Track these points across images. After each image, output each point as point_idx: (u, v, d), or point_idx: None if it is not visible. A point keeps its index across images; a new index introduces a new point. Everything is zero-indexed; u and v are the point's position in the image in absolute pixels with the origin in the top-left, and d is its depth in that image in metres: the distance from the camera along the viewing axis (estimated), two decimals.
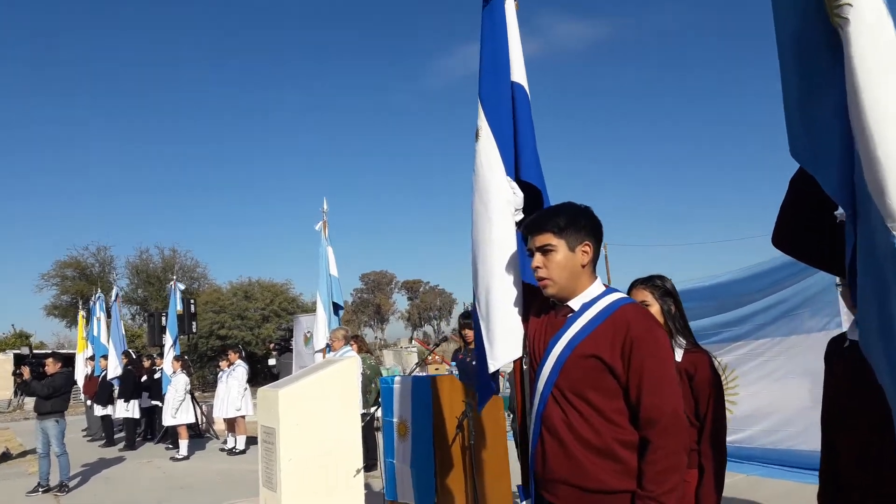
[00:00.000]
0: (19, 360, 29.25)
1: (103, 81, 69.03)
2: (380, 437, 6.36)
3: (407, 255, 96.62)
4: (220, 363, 12.19)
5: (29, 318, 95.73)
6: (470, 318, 5.59)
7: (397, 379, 4.91)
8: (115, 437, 13.47)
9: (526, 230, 2.40)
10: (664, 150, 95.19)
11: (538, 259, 2.32)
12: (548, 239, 2.29)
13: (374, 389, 8.20)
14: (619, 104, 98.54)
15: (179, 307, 12.88)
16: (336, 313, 9.09)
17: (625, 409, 2.17)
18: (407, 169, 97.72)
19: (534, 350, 2.42)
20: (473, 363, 5.54)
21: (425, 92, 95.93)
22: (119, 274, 38.72)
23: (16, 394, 27.98)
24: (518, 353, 2.60)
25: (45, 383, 8.77)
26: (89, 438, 14.46)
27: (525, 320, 2.59)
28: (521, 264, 2.65)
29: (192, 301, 13.96)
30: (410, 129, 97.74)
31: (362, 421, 7.13)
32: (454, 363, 5.40)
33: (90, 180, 69.54)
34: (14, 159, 63.00)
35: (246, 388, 11.41)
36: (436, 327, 78.81)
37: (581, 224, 2.31)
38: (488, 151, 2.78)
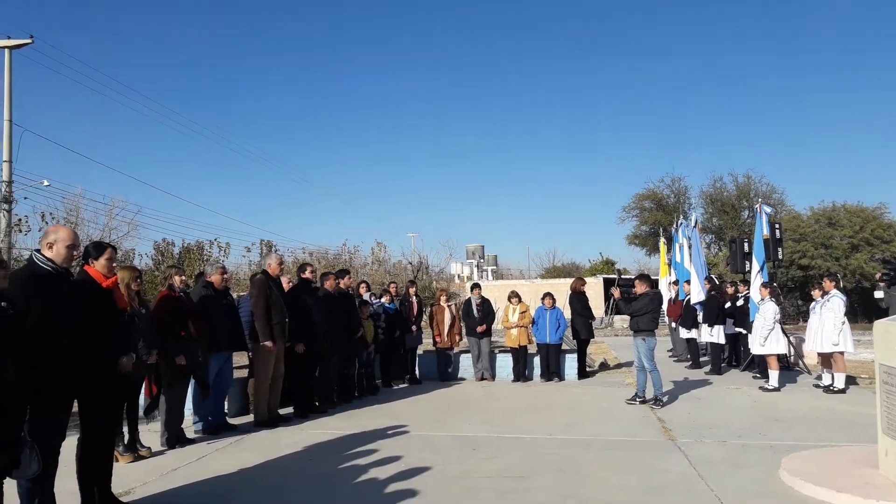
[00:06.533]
0: (608, 284, 33.10)
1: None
2: None
3: None
4: (813, 292, 11.07)
5: (613, 246, 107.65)
6: None
7: None
8: (700, 360, 13.72)
9: None
10: None
11: None
12: None
13: None
14: None
15: (766, 231, 12.11)
16: None
17: None
18: None
19: None
20: None
21: None
22: (693, 203, 39.85)
23: (606, 312, 31.83)
24: None
25: (632, 305, 9.29)
26: (675, 359, 15.12)
27: None
28: None
29: (777, 226, 13.00)
30: None
31: None
32: None
33: (658, 116, 72.99)
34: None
35: (844, 322, 10.08)
36: None
37: None
38: None
